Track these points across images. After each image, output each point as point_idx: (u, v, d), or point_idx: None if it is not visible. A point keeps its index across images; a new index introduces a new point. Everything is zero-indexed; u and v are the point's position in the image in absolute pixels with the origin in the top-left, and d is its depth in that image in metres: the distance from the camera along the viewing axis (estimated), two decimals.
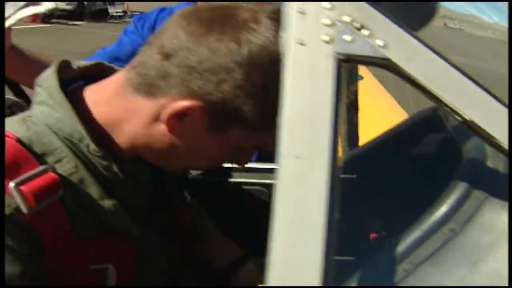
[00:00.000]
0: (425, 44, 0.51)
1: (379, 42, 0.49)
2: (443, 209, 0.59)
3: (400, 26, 0.50)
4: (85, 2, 18.65)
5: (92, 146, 0.64)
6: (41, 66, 1.22)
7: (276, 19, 0.59)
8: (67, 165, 0.63)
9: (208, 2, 0.65)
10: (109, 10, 20.11)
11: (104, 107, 0.67)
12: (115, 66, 0.76)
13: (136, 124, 0.66)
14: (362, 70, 1.82)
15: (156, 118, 0.64)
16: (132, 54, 1.47)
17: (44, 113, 0.65)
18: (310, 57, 0.47)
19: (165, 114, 0.62)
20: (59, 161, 0.63)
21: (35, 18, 15.63)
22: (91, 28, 16.63)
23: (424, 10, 0.67)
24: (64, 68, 0.70)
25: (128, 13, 20.87)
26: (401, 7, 0.58)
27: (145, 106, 0.64)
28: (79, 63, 0.74)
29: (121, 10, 20.82)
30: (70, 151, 0.64)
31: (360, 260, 0.59)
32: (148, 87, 0.63)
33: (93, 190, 0.65)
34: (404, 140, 0.97)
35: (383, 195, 0.79)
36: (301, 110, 0.46)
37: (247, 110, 0.61)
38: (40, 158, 0.62)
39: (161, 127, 0.64)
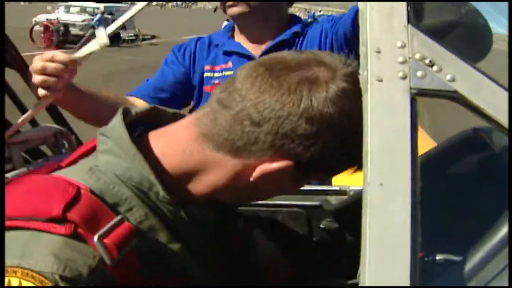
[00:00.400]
0: (489, 77, 0.55)
1: (448, 77, 0.53)
2: (505, 229, 0.62)
3: (465, 60, 0.55)
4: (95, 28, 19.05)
5: (162, 193, 0.66)
6: (95, 102, 1.28)
7: (352, 82, 0.61)
8: (137, 214, 0.66)
9: (276, 57, 0.67)
10: (122, 35, 20.51)
11: (176, 157, 0.69)
12: (167, 109, 0.79)
13: (218, 176, 0.68)
14: None
15: (242, 173, 0.67)
16: (174, 84, 1.53)
17: (110, 162, 0.67)
18: (388, 92, 0.52)
19: (256, 173, 0.65)
20: (129, 210, 0.65)
21: (49, 43, 16.01)
22: (105, 52, 16.91)
23: (483, 43, 0.71)
24: (125, 115, 0.72)
25: (140, 37, 21.26)
26: (462, 41, 0.62)
27: (231, 162, 0.66)
28: (136, 109, 0.76)
29: (132, 34, 21.22)
30: (139, 200, 0.66)
31: (433, 279, 0.62)
32: (234, 148, 0.65)
33: (162, 235, 0.67)
34: (448, 160, 1.00)
35: (443, 214, 0.82)
36: (382, 141, 0.51)
37: (331, 162, 0.65)
38: (112, 208, 0.64)
39: (247, 179, 0.67)
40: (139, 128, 0.74)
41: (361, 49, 0.53)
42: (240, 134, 0.63)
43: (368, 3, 0.53)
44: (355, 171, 0.68)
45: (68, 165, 0.78)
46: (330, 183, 1.64)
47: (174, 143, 0.70)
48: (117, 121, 0.69)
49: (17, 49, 1.41)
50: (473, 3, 0.72)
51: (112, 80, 10.75)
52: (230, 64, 1.51)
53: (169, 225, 0.68)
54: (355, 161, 0.64)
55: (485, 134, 0.96)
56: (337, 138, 0.62)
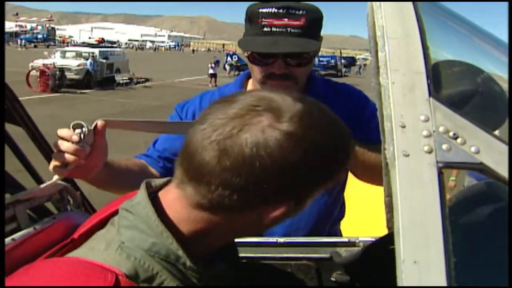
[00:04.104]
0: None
1: (472, 149, 0.54)
2: None
3: (487, 131, 0.56)
4: (92, 72, 19.30)
5: (189, 264, 0.68)
6: (113, 174, 1.25)
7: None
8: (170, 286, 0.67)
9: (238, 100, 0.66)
10: (116, 78, 20.78)
11: (188, 225, 0.70)
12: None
13: (225, 231, 0.71)
14: None
15: (252, 222, 0.69)
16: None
17: (136, 238, 0.68)
18: (415, 167, 0.52)
19: (267, 221, 0.67)
20: (161, 283, 0.66)
21: (45, 88, 16.16)
22: (99, 96, 17.11)
23: (500, 112, 0.73)
24: (148, 189, 0.74)
25: (134, 80, 21.55)
26: (481, 110, 0.63)
27: (236, 217, 0.68)
28: (156, 182, 0.79)
29: (127, 78, 21.52)
30: (168, 272, 0.67)
31: None
32: (233, 208, 0.66)
33: None
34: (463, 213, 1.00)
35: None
36: (413, 216, 0.50)
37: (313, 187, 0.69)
38: (146, 284, 0.65)
39: (259, 224, 0.70)
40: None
41: (386, 125, 0.54)
42: (231, 192, 0.64)
43: (389, 78, 0.55)
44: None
45: (81, 236, 0.78)
46: (339, 235, 1.63)
47: (181, 210, 0.70)
48: (143, 198, 0.71)
49: (24, 108, 1.41)
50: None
51: None
52: None
53: None
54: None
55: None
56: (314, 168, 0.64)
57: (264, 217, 0.67)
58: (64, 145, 1.00)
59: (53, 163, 1.04)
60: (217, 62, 26.91)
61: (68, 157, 1.01)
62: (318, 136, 0.63)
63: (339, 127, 0.68)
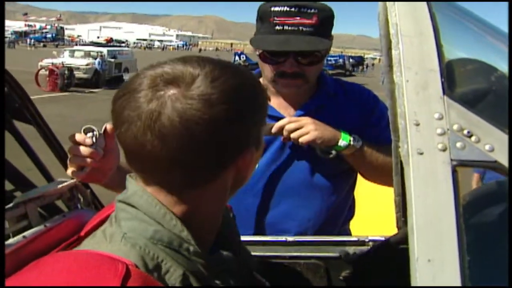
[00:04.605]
0: None
1: (487, 147, 0.54)
2: None
3: (502, 129, 0.55)
4: (100, 71, 19.39)
5: (192, 248, 0.67)
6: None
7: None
8: (175, 274, 0.66)
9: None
10: (124, 77, 20.86)
11: (179, 207, 0.70)
12: None
13: (213, 201, 0.72)
14: None
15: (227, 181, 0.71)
16: None
17: (137, 227, 0.69)
18: (429, 165, 0.52)
19: (242, 171, 0.71)
20: (167, 271, 0.66)
21: (54, 87, 16.28)
22: (107, 95, 17.19)
23: None
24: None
25: None
26: (495, 108, 0.63)
27: (212, 187, 0.70)
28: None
29: None
30: (172, 260, 0.67)
31: None
32: (205, 178, 0.68)
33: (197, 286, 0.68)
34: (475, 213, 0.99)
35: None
36: (427, 215, 0.50)
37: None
38: (154, 272, 0.65)
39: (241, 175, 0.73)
40: None
41: (400, 122, 0.53)
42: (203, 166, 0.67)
43: (403, 76, 0.54)
44: None
45: (88, 233, 0.79)
46: (348, 234, 1.63)
47: (163, 199, 0.71)
48: (137, 188, 0.71)
49: (35, 106, 1.43)
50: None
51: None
52: None
53: (202, 277, 0.69)
54: None
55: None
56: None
57: (239, 167, 0.69)
58: (78, 149, 1.02)
59: (70, 167, 1.06)
60: None
61: (84, 160, 1.03)
62: (229, 84, 0.65)
63: (243, 70, 0.71)
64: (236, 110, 0.64)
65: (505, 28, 0.85)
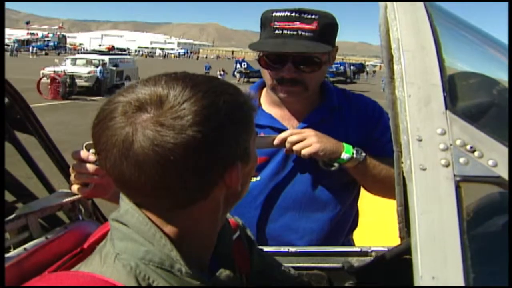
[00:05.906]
0: None
1: (490, 162, 0.53)
2: None
3: (504, 144, 0.55)
4: (102, 79, 19.44)
5: (184, 269, 0.67)
6: None
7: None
8: None
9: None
10: (125, 85, 20.86)
11: (170, 227, 0.70)
12: None
13: (204, 220, 0.71)
14: None
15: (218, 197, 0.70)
16: None
17: (129, 248, 0.69)
18: (432, 181, 0.51)
19: (233, 187, 0.68)
20: None
21: (55, 95, 16.32)
22: None
23: None
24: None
25: None
26: (498, 122, 0.62)
27: (198, 207, 0.69)
28: None
29: None
30: (164, 281, 0.67)
31: None
32: (192, 198, 0.67)
33: None
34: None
35: None
36: (430, 232, 0.50)
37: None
38: None
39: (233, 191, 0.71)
40: None
41: (402, 138, 0.53)
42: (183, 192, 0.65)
43: (405, 91, 0.54)
44: None
45: (91, 245, 0.80)
46: (351, 244, 1.62)
47: (155, 220, 0.70)
48: (130, 206, 0.70)
49: (35, 116, 1.43)
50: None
51: None
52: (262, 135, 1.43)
53: None
54: None
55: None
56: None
57: (228, 184, 0.67)
58: (82, 166, 1.03)
59: (75, 185, 1.07)
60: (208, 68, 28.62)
61: (88, 176, 1.03)
62: (202, 104, 0.62)
63: (218, 85, 0.68)
64: (212, 130, 0.62)
65: (504, 29, 0.85)
